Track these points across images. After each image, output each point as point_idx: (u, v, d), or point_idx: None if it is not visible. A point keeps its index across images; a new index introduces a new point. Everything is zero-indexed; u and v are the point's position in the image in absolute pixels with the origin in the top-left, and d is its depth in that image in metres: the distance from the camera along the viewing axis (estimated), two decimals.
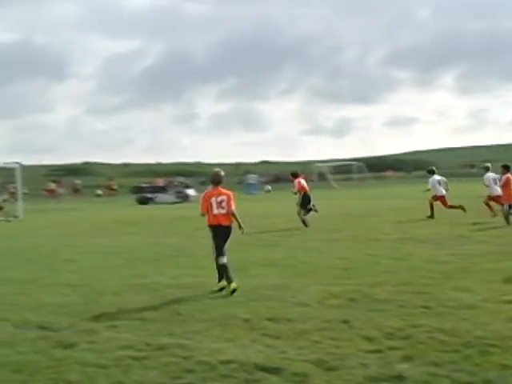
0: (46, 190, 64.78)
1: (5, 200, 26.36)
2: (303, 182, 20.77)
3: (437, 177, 21.51)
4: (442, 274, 10.35)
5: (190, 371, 5.84)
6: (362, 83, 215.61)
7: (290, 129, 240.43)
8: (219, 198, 9.91)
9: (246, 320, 7.67)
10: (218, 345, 6.64)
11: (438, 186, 21.29)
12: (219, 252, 9.76)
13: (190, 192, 48.73)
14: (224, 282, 9.59)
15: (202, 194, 10.35)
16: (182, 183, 56.15)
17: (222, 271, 9.70)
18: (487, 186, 20.24)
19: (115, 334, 7.31)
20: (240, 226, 10.01)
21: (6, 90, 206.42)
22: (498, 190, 19.08)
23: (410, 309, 7.91)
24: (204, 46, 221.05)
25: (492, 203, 20.08)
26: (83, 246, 16.99)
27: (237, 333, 7.12)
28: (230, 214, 9.90)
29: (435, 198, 21.27)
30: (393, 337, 6.67)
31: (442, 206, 21.16)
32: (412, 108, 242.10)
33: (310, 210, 20.27)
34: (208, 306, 8.59)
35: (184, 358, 6.24)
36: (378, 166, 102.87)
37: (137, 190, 54.15)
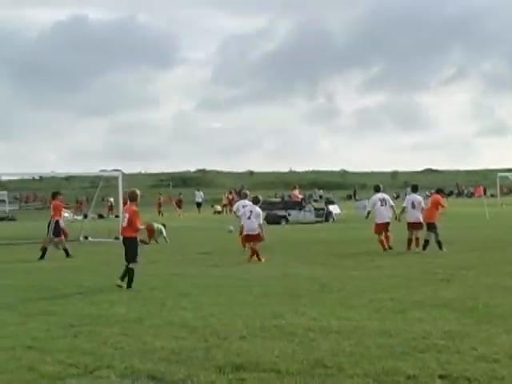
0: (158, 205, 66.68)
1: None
2: None
3: None
4: None
5: None
6: None
7: (461, 128, 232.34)
8: (126, 215, 15.86)
9: (412, 377, 7.59)
10: None
11: None
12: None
13: (333, 209, 48.56)
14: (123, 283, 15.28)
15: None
16: (321, 197, 56.26)
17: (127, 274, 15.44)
18: None
19: None
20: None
21: (101, 80, 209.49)
22: None
23: None
24: (345, 23, 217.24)
25: None
26: (200, 276, 17.35)
27: None
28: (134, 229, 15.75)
29: None
30: None
31: None
32: None
33: None
34: (361, 356, 8.54)
35: None
36: None
37: (266, 205, 54.69)
